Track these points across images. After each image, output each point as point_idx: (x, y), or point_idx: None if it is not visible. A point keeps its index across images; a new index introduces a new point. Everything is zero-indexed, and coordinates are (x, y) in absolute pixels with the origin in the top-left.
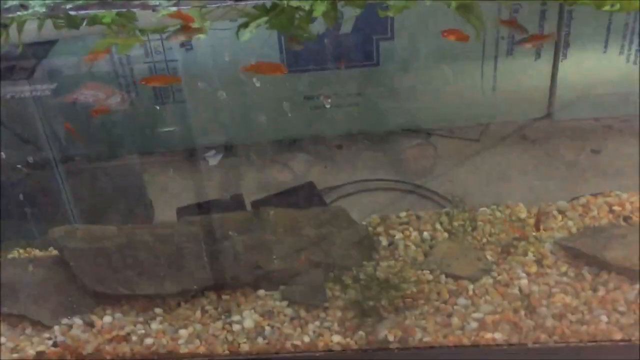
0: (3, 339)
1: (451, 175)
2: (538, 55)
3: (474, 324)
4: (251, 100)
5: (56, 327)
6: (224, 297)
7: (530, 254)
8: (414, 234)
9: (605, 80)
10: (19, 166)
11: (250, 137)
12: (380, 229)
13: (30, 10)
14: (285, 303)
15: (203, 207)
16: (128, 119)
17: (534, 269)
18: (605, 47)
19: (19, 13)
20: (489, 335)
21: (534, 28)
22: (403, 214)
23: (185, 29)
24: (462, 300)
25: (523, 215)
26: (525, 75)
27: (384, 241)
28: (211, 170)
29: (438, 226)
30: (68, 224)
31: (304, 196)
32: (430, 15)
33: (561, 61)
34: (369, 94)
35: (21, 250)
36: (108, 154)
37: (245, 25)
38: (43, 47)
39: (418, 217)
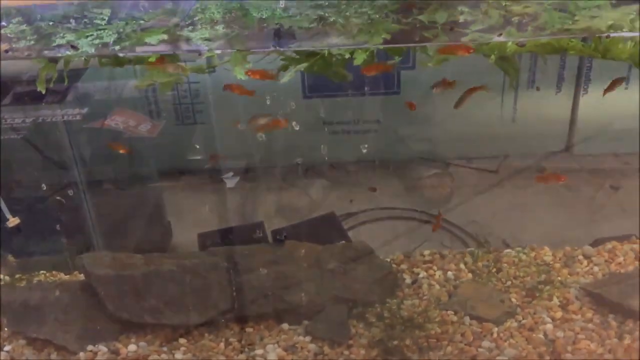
0: None
1: (469, 208)
2: (559, 88)
3: None
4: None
5: (81, 354)
6: (248, 329)
7: (555, 299)
8: (438, 273)
9: (626, 115)
10: (58, 198)
11: (268, 161)
12: (403, 266)
13: (79, 51)
14: (308, 338)
15: (225, 234)
16: (153, 141)
17: (559, 314)
18: (627, 82)
19: (67, 52)
20: None
21: (556, 63)
22: (427, 252)
23: None
24: (486, 343)
25: (549, 258)
26: (546, 108)
27: (407, 279)
28: (229, 192)
29: (462, 266)
30: (92, 246)
31: (325, 228)
32: None
33: (582, 95)
34: (388, 121)
35: (47, 274)
36: (132, 176)
37: (285, 68)
38: (75, 72)
39: (442, 256)
